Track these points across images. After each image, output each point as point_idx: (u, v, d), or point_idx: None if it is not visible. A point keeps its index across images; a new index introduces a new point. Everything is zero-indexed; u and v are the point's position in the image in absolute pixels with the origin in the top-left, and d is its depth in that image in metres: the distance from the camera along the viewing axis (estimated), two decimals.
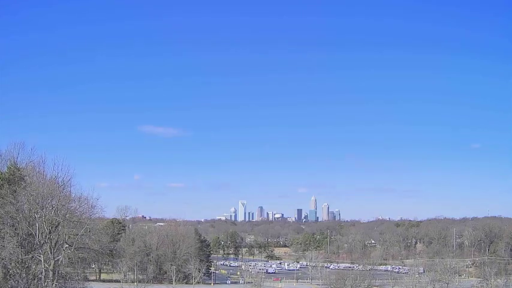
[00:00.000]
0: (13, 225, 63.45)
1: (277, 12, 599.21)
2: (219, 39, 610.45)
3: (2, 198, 63.43)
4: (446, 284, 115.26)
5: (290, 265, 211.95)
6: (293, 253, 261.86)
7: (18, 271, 61.02)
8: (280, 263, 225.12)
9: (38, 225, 62.10)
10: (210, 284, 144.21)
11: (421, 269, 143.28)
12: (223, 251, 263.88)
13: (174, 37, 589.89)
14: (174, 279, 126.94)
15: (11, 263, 60.92)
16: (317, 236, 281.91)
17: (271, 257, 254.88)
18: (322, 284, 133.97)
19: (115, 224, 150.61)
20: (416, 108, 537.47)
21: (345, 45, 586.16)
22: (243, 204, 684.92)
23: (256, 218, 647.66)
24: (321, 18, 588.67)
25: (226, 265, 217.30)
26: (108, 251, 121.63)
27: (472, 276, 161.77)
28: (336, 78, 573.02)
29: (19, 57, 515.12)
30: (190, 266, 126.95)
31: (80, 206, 72.92)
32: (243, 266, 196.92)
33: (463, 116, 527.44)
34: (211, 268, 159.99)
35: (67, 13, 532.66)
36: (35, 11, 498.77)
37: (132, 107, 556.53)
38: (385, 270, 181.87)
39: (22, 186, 67.12)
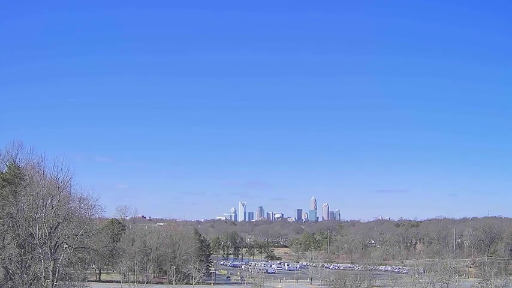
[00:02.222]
0: (13, 226, 63.35)
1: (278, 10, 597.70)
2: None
3: (3, 198, 63.29)
4: (446, 284, 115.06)
5: (290, 265, 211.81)
6: (293, 253, 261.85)
7: (18, 271, 60.93)
8: (280, 263, 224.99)
9: (38, 226, 61.99)
10: (210, 284, 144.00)
11: (421, 269, 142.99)
12: (223, 251, 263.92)
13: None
14: (174, 279, 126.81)
15: (11, 263, 60.83)
16: (317, 236, 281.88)
17: (271, 257, 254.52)
18: (322, 284, 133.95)
19: (115, 224, 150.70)
20: (416, 111, 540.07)
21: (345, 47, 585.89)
22: (243, 205, 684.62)
23: (256, 218, 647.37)
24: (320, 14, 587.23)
25: (226, 265, 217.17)
26: (108, 251, 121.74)
27: (472, 276, 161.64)
28: (337, 80, 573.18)
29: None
30: (190, 266, 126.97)
31: (79, 206, 72.82)
32: (243, 266, 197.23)
33: (463, 117, 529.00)
34: (211, 268, 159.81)
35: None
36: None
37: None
38: (385, 271, 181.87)
39: (22, 186, 66.93)
